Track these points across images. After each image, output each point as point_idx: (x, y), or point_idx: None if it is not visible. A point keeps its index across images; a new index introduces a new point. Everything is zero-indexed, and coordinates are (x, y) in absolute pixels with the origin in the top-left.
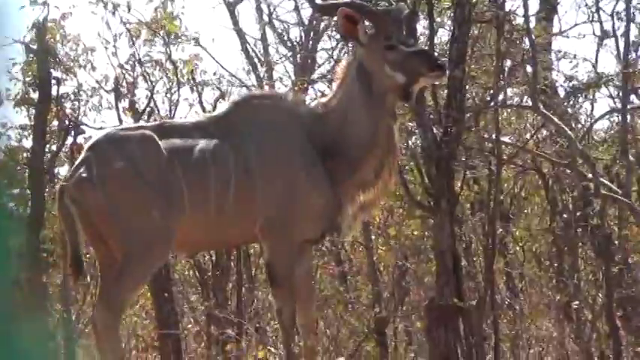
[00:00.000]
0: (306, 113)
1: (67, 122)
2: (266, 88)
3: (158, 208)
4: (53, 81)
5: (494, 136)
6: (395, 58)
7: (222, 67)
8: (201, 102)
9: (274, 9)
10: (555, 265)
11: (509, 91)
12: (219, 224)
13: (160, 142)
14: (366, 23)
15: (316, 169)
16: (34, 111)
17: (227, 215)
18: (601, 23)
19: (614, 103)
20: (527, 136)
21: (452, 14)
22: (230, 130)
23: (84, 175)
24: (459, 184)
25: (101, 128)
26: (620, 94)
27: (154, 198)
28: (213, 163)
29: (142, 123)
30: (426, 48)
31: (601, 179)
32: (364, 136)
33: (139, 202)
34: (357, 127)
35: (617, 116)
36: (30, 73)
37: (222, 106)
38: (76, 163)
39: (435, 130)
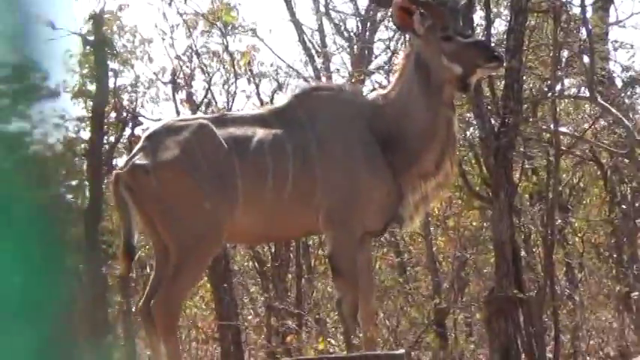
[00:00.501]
0: (366, 105)
1: (124, 114)
2: (323, 79)
3: (210, 199)
4: (110, 73)
5: (552, 126)
6: (452, 49)
7: (280, 58)
8: (258, 94)
9: (331, 0)
10: (614, 255)
11: (566, 81)
12: (277, 216)
13: (217, 132)
14: (423, 14)
15: (377, 159)
16: (91, 103)
17: (285, 206)
18: None
19: None
20: (585, 126)
21: (508, 4)
22: (290, 122)
23: (138, 162)
24: (518, 175)
25: (159, 120)
26: None
27: (207, 188)
28: (270, 154)
29: (201, 114)
30: (483, 39)
31: None
32: (423, 128)
33: (191, 192)
34: (416, 119)
35: None
36: (87, 65)
37: (283, 98)
38: (133, 151)
39: (492, 121)
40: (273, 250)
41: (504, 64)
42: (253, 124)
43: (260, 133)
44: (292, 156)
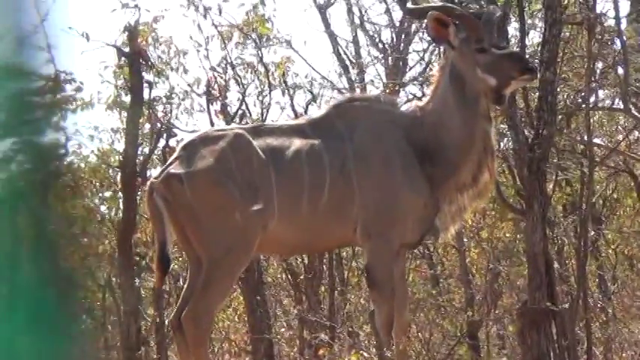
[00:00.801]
0: (403, 116)
1: (159, 125)
2: (357, 90)
3: (241, 210)
4: (145, 84)
5: (585, 137)
6: (486, 61)
7: (314, 69)
8: (292, 105)
9: (366, 11)
10: None
11: (600, 93)
12: (313, 227)
13: (253, 142)
14: (458, 26)
15: (414, 171)
16: (125, 114)
17: (321, 217)
18: None
19: None
20: (619, 137)
21: (543, 16)
22: (327, 132)
23: (172, 171)
24: (551, 186)
25: (193, 131)
26: None
27: (239, 199)
28: (307, 164)
29: (236, 125)
30: (517, 50)
31: None
32: (460, 139)
33: (222, 202)
34: (453, 130)
35: None
36: (122, 76)
37: (321, 109)
38: (169, 160)
39: (526, 133)
40: (306, 262)
41: (538, 76)
42: (291, 135)
43: (297, 143)
44: (329, 167)
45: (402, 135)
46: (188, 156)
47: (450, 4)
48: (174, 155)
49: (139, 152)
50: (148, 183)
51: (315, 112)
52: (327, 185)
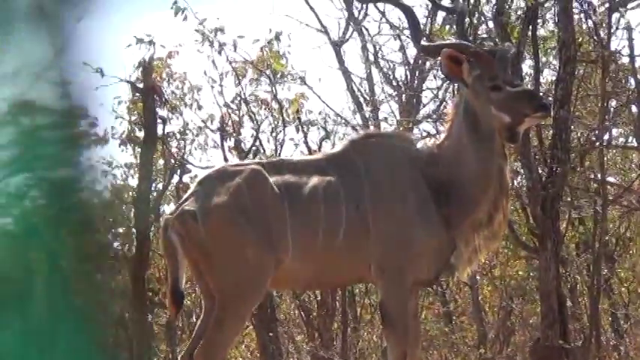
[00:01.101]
0: (420, 153)
1: (172, 161)
2: (371, 127)
3: (254, 248)
4: (159, 120)
5: (599, 176)
6: (500, 98)
7: (328, 106)
8: (306, 142)
9: (380, 48)
10: None
11: (614, 131)
12: (328, 263)
13: (268, 178)
14: (471, 64)
15: (430, 210)
16: (139, 150)
17: (336, 254)
18: None
19: None
20: (633, 176)
21: (557, 54)
22: (345, 168)
23: (187, 207)
24: (564, 225)
25: (207, 167)
26: None
27: (253, 236)
28: (323, 201)
29: (257, 160)
30: (531, 88)
31: None
32: (476, 177)
33: (235, 239)
34: (468, 168)
35: None
36: (136, 111)
37: (339, 145)
38: (185, 195)
39: (540, 170)
40: (319, 299)
41: (551, 114)
42: (309, 170)
43: (314, 179)
44: (345, 204)
45: (419, 172)
46: (204, 192)
47: (463, 42)
48: (190, 191)
49: (152, 188)
50: (163, 219)
51: (334, 147)
52: (344, 222)
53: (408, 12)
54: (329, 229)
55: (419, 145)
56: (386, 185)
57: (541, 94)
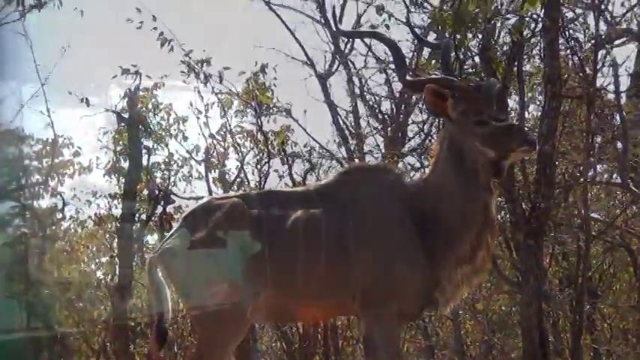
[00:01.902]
0: (407, 187)
1: (156, 191)
2: (356, 160)
3: (233, 284)
4: (144, 150)
5: (583, 212)
6: (485, 133)
7: (313, 139)
8: (291, 174)
9: (366, 82)
10: None
11: (598, 167)
12: (307, 296)
13: (248, 211)
14: (456, 99)
15: (414, 245)
16: (124, 180)
17: (316, 288)
18: None
19: None
20: (617, 212)
21: (542, 89)
22: (332, 200)
23: (168, 245)
24: (548, 260)
25: (190, 198)
26: None
27: (231, 273)
28: (303, 235)
29: (248, 191)
30: (516, 123)
31: None
32: (460, 211)
33: (213, 276)
34: (452, 203)
35: None
36: (121, 142)
37: (329, 176)
38: (169, 233)
39: (523, 205)
40: (300, 331)
41: (536, 149)
42: (295, 203)
43: (297, 212)
44: (326, 238)
45: (404, 206)
46: (186, 228)
47: (448, 77)
48: (175, 227)
49: (136, 218)
50: (148, 258)
51: (323, 179)
52: (324, 256)
53: (393, 47)
54: (308, 263)
55: (410, 179)
56: (369, 220)
57: (526, 129)
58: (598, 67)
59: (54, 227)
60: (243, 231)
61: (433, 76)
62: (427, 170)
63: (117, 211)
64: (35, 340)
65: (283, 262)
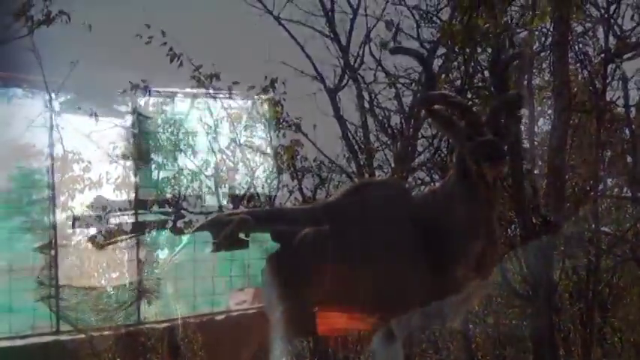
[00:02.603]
0: (416, 202)
1: (166, 207)
2: (366, 175)
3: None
4: (154, 165)
5: (593, 225)
6: (470, 147)
7: (323, 153)
8: (300, 189)
9: (375, 96)
10: None
11: (608, 181)
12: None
13: (255, 227)
14: (457, 115)
15: (420, 259)
16: (134, 195)
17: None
18: None
19: None
20: (627, 225)
21: (552, 103)
22: (339, 217)
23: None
24: (558, 274)
25: (201, 213)
26: None
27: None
28: (310, 254)
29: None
30: (493, 138)
31: None
32: (463, 226)
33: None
34: (456, 216)
35: None
36: (130, 157)
37: (336, 193)
38: (178, 248)
39: (534, 220)
40: (311, 346)
41: (500, 165)
42: (301, 220)
43: (305, 230)
44: (332, 256)
45: (411, 224)
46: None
47: (444, 93)
48: (184, 241)
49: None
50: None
51: (330, 196)
52: (330, 276)
53: (424, 61)
54: (314, 280)
55: (419, 193)
56: (377, 236)
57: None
58: (607, 81)
59: (65, 242)
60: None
61: (437, 92)
62: (437, 184)
63: (127, 227)
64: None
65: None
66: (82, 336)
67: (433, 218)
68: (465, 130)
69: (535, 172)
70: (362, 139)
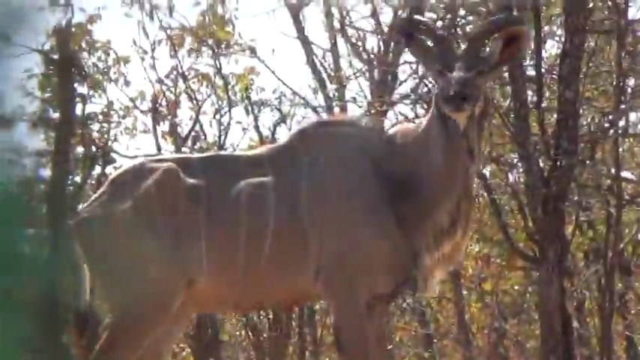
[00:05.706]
0: (379, 145)
1: (93, 148)
2: (336, 109)
3: (158, 264)
4: (78, 98)
5: (613, 170)
6: (439, 87)
7: (284, 83)
8: (257, 126)
9: (347, 14)
10: None
11: (632, 116)
12: (254, 280)
13: (184, 180)
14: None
15: (382, 210)
16: (53, 134)
17: (264, 269)
18: None
19: None
20: None
21: (563, 22)
22: (286, 165)
23: (85, 214)
24: (571, 229)
25: (135, 157)
26: None
27: (158, 250)
28: (246, 209)
29: (189, 153)
30: (460, 75)
31: None
32: (438, 174)
33: (136, 254)
34: (432, 164)
35: None
36: (50, 88)
37: (285, 135)
38: (91, 198)
39: (541, 164)
40: (270, 318)
41: (461, 110)
42: (242, 169)
43: (242, 182)
44: (274, 210)
45: (373, 167)
46: (111, 194)
47: (417, 18)
48: (100, 190)
49: (69, 181)
50: (67, 224)
51: (279, 140)
52: (270, 232)
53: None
54: (252, 242)
55: (383, 134)
56: (329, 185)
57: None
58: None
59: None
60: (177, 203)
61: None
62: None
63: (46, 172)
64: None
65: (221, 242)
66: None
67: (406, 163)
68: (438, 63)
69: (542, 105)
70: (331, 65)
